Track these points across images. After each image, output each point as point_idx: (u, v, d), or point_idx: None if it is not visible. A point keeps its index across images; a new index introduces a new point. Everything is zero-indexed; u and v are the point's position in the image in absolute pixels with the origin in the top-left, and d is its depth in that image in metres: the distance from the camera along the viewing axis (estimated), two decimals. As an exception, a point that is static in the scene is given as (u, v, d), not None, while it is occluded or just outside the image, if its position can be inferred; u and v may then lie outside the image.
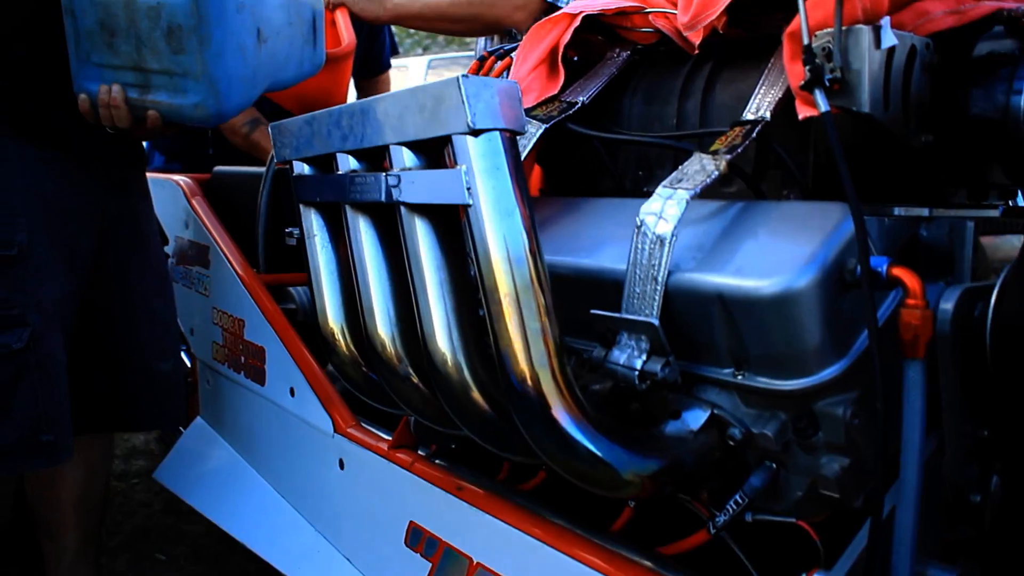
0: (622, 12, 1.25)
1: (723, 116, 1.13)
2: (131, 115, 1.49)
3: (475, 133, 0.89)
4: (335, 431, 1.53)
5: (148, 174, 1.85)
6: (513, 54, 1.53)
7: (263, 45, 1.52)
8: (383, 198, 1.04)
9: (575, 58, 1.38)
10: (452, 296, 0.99)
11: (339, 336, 1.22)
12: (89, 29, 1.46)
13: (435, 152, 0.98)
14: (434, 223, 0.99)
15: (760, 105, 1.02)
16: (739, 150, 0.96)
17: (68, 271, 1.53)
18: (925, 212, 0.97)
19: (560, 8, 2.15)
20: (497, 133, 0.90)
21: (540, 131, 1.17)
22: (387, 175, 1.03)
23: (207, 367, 2.02)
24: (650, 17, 1.23)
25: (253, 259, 1.94)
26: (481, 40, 2.41)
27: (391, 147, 1.03)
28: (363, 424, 1.51)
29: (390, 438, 1.43)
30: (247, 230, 1.99)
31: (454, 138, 0.92)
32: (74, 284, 1.55)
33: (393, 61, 9.63)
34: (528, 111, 1.20)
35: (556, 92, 1.24)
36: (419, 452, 1.39)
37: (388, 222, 1.08)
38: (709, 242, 0.93)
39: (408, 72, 8.84)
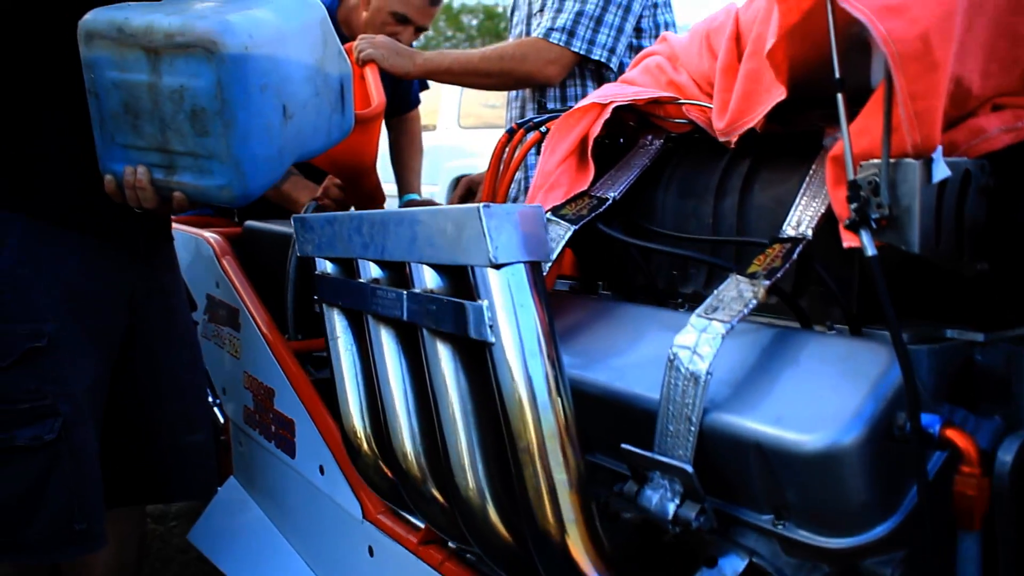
0: (655, 101, 1.20)
1: (762, 219, 1.07)
2: (157, 196, 1.46)
3: (498, 266, 0.85)
4: (364, 516, 1.49)
5: (177, 226, 1.83)
6: (544, 128, 1.49)
7: (289, 121, 1.49)
8: (404, 317, 1.00)
9: (606, 140, 1.33)
10: (477, 426, 0.95)
11: (363, 441, 1.18)
12: (113, 111, 1.45)
13: (458, 275, 0.94)
14: (458, 349, 0.95)
15: (801, 219, 0.96)
16: (779, 274, 0.90)
17: (98, 355, 1.52)
18: (980, 337, 0.90)
19: (592, 59, 2.12)
20: (521, 265, 0.86)
21: (569, 233, 1.12)
22: (408, 294, 0.99)
23: (239, 429, 2.00)
24: (684, 108, 1.18)
25: (284, 321, 1.92)
26: (512, 93, 2.37)
27: (412, 264, 0.99)
28: (393, 511, 1.47)
29: (421, 527, 1.39)
30: (278, 289, 1.97)
31: (476, 269, 0.87)
32: (104, 367, 1.54)
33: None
34: (556, 210, 1.16)
35: (586, 187, 1.19)
36: (450, 546, 1.35)
37: (412, 336, 1.04)
38: (746, 376, 0.88)
39: (444, 87, 8.83)
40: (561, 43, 2.06)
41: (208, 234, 2.13)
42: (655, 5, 2.17)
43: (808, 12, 0.87)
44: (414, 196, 2.80)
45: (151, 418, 1.65)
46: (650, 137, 1.27)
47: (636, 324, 1.07)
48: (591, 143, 1.19)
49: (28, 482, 1.38)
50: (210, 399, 2.22)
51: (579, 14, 2.06)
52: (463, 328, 0.89)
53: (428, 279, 0.97)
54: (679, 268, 1.18)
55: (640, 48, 2.19)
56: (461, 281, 0.93)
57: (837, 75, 0.83)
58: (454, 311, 0.90)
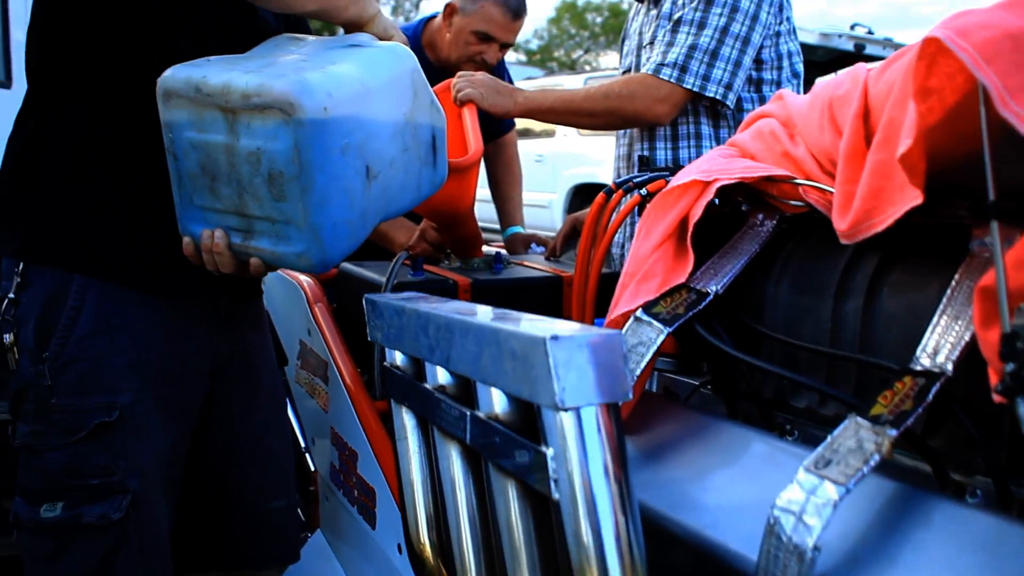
0: (768, 179, 1.05)
1: (891, 331, 0.91)
2: (234, 260, 1.40)
3: (565, 409, 0.73)
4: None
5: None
6: (645, 189, 1.36)
7: (373, 182, 1.40)
8: (468, 441, 0.89)
9: (713, 212, 1.18)
10: (541, 571, 0.83)
11: (428, 552, 1.08)
12: (191, 171, 1.38)
13: (525, 407, 0.82)
14: (523, 489, 0.83)
15: (940, 346, 0.80)
16: (909, 420, 0.75)
17: (174, 425, 1.47)
18: None
19: (707, 96, 1.96)
20: (593, 408, 0.74)
21: (661, 337, 0.98)
22: (472, 416, 0.88)
23: (326, 484, 1.94)
24: (801, 190, 1.03)
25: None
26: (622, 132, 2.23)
27: (478, 384, 0.87)
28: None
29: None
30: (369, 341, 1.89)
31: (542, 409, 0.75)
32: (182, 436, 1.49)
33: (549, 80, 9.62)
34: (649, 307, 1.02)
35: (684, 279, 1.05)
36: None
37: (478, 456, 0.93)
38: (861, 551, 0.73)
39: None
40: (672, 80, 1.91)
41: (302, 278, 2.07)
42: (777, 34, 2.00)
43: (951, 110, 0.71)
44: (517, 229, 2.69)
45: (231, 485, 1.59)
46: (760, 216, 1.12)
47: (735, 453, 0.93)
48: (691, 227, 1.05)
49: (94, 562, 1.34)
50: (301, 442, 2.17)
51: (692, 47, 1.91)
52: (525, 475, 0.77)
53: (495, 402, 0.85)
54: (788, 377, 1.03)
55: (760, 81, 2.02)
56: (530, 412, 0.81)
57: (991, 196, 0.67)
58: (516, 452, 0.79)
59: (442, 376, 0.98)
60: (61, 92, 1.43)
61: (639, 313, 1.02)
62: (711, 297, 1.02)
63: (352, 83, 1.35)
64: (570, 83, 8.75)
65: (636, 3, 2.32)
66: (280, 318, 2.21)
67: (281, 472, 1.67)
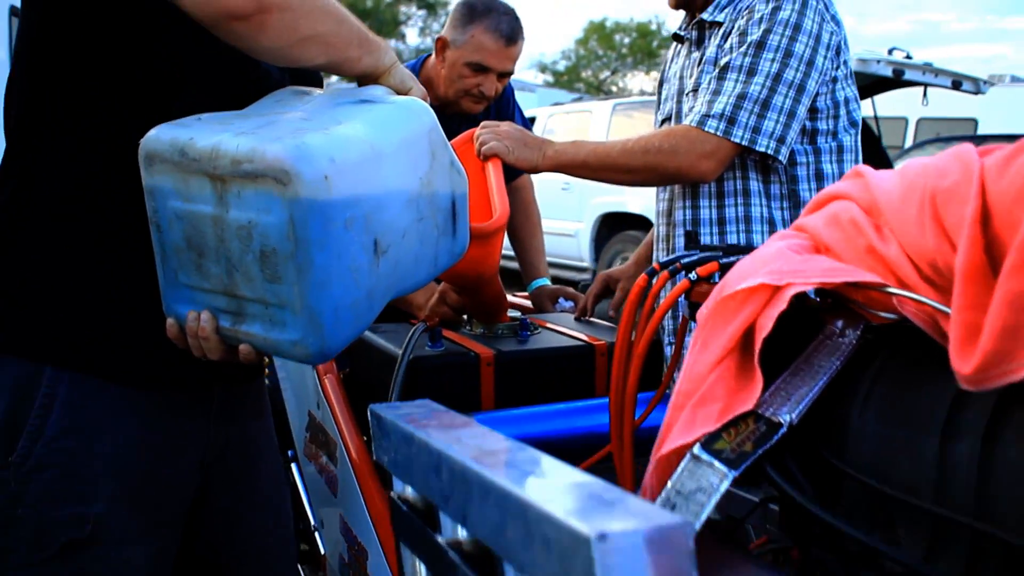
0: (854, 286, 0.87)
1: (1015, 489, 0.73)
2: (222, 346, 1.23)
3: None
4: None
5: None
6: (695, 273, 1.17)
7: (382, 258, 1.23)
8: (485, 629, 0.71)
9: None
10: None
11: None
12: (176, 245, 1.22)
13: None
14: None
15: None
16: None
17: (157, 531, 1.29)
18: None
19: (756, 151, 1.78)
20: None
21: (726, 483, 0.80)
22: (491, 600, 0.70)
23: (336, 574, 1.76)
24: (895, 300, 0.84)
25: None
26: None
27: (504, 561, 0.70)
28: None
29: None
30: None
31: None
32: (164, 543, 1.32)
33: (576, 105, 9.45)
34: (709, 442, 0.84)
35: (751, 406, 0.86)
36: None
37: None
38: None
39: (592, 116, 8.56)
40: (719, 133, 1.74)
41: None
42: (834, 80, 1.81)
43: None
44: (543, 282, 2.51)
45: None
46: (840, 324, 0.93)
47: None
48: (759, 342, 0.87)
49: None
50: (311, 519, 2.00)
51: (741, 97, 1.74)
52: None
53: (521, 586, 0.67)
54: (883, 527, 0.84)
55: (815, 131, 1.83)
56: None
57: None
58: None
59: (458, 531, 0.80)
60: (40, 154, 1.27)
61: (697, 450, 0.83)
62: (784, 429, 0.84)
63: (359, 146, 1.18)
64: (598, 109, 8.58)
65: (675, 43, 2.14)
66: (291, 380, 2.05)
67: (283, 570, 1.49)
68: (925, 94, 6.45)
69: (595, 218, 8.18)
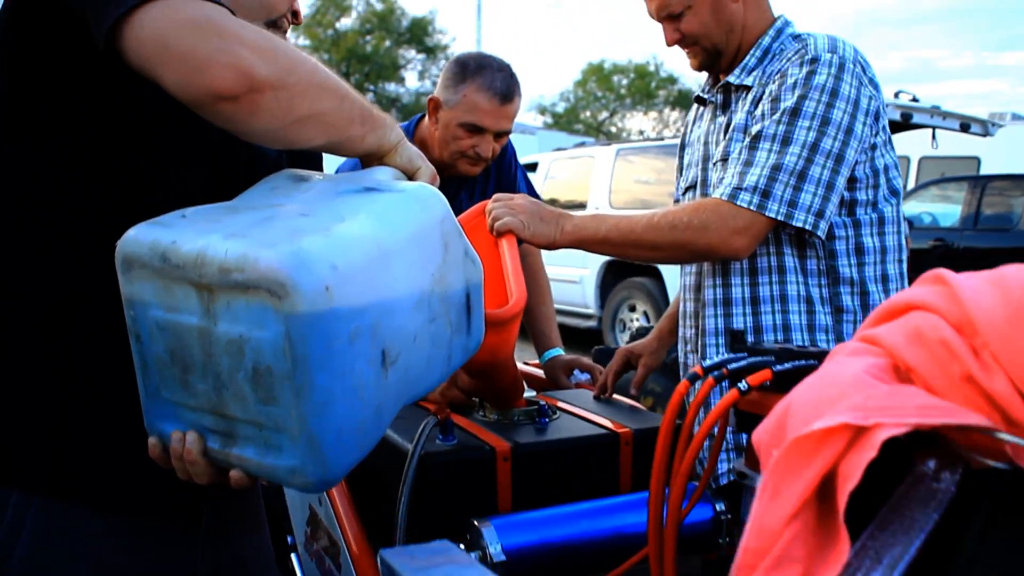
0: (958, 428, 0.73)
1: None
2: (211, 469, 1.09)
3: None
4: None
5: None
6: (744, 384, 1.04)
7: (391, 369, 1.09)
8: None
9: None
10: None
11: None
12: (158, 358, 1.09)
13: None
14: None
15: None
16: None
17: None
18: None
19: (792, 226, 1.65)
20: None
21: None
22: None
23: None
24: (1008, 448, 0.70)
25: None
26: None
27: None
28: None
29: None
30: (389, 509, 1.57)
31: None
32: None
33: (578, 151, 9.33)
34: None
35: (838, 571, 0.72)
36: None
37: None
38: None
39: (595, 161, 8.47)
40: (752, 207, 1.61)
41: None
42: (873, 147, 1.69)
43: None
44: (557, 352, 2.36)
45: None
46: (932, 465, 0.79)
47: None
48: (844, 496, 0.73)
49: None
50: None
51: (775, 168, 1.61)
52: None
53: None
54: None
55: (854, 202, 1.70)
56: None
57: None
58: None
59: None
60: (4, 245, 1.15)
61: (778, 635, 0.69)
62: (881, 607, 0.70)
63: (364, 246, 1.05)
64: (601, 155, 8.46)
65: (698, 106, 2.02)
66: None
67: None
68: (934, 136, 6.37)
69: (600, 265, 8.05)
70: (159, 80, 1.04)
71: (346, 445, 1.05)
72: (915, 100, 6.22)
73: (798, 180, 1.60)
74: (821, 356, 1.06)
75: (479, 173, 2.40)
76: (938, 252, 8.31)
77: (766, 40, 1.80)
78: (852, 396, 0.78)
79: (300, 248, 0.98)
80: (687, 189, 1.91)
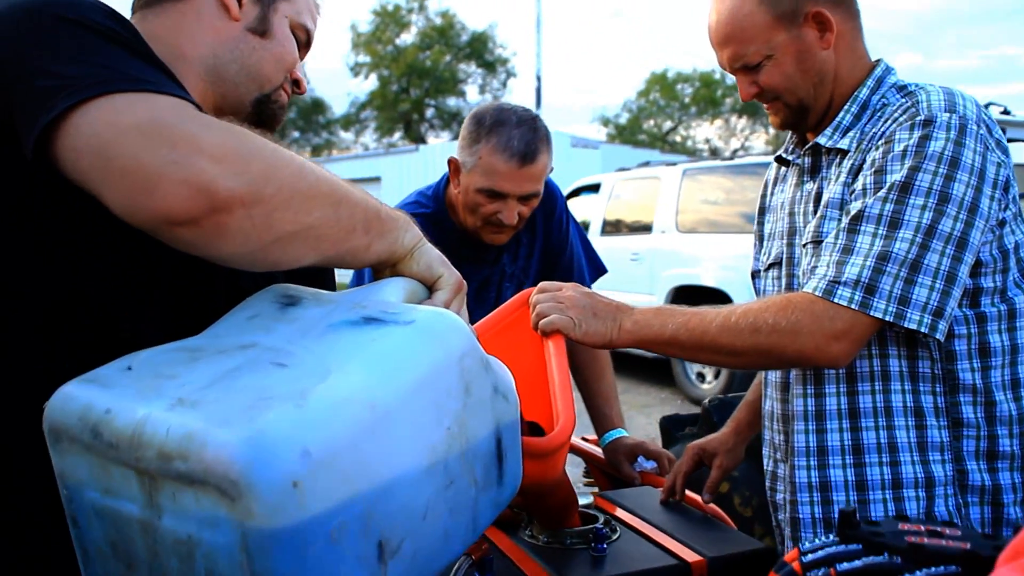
0: None
1: None
2: None
3: None
4: None
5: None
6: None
7: (393, 559, 0.84)
8: None
9: None
10: None
11: None
12: (98, 548, 0.85)
13: None
14: None
15: None
16: None
17: None
18: None
19: (922, 333, 1.29)
20: None
21: None
22: None
23: None
24: None
25: None
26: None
27: None
28: None
29: None
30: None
31: None
32: None
33: (643, 171, 8.90)
34: None
35: None
36: None
37: None
38: None
39: (661, 183, 8.14)
40: (854, 305, 1.30)
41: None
42: (1002, 222, 1.37)
43: None
44: (620, 434, 2.08)
45: None
46: None
47: None
48: None
49: None
50: None
51: (882, 258, 1.31)
52: None
53: None
54: None
55: (978, 290, 1.37)
56: None
57: None
58: None
59: None
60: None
61: None
62: None
63: (353, 412, 0.81)
64: (667, 175, 8.09)
65: (777, 164, 1.73)
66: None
67: None
68: (1031, 150, 5.90)
69: (667, 291, 7.69)
70: (101, 199, 0.83)
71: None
72: (1006, 112, 5.77)
73: (911, 271, 1.30)
74: (969, 560, 0.78)
75: (523, 229, 2.14)
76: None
77: (863, 92, 1.50)
78: None
79: (261, 431, 0.73)
80: (769, 266, 1.62)
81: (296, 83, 1.25)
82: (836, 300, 1.31)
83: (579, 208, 9.50)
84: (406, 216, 1.06)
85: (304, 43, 1.25)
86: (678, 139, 42.58)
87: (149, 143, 0.80)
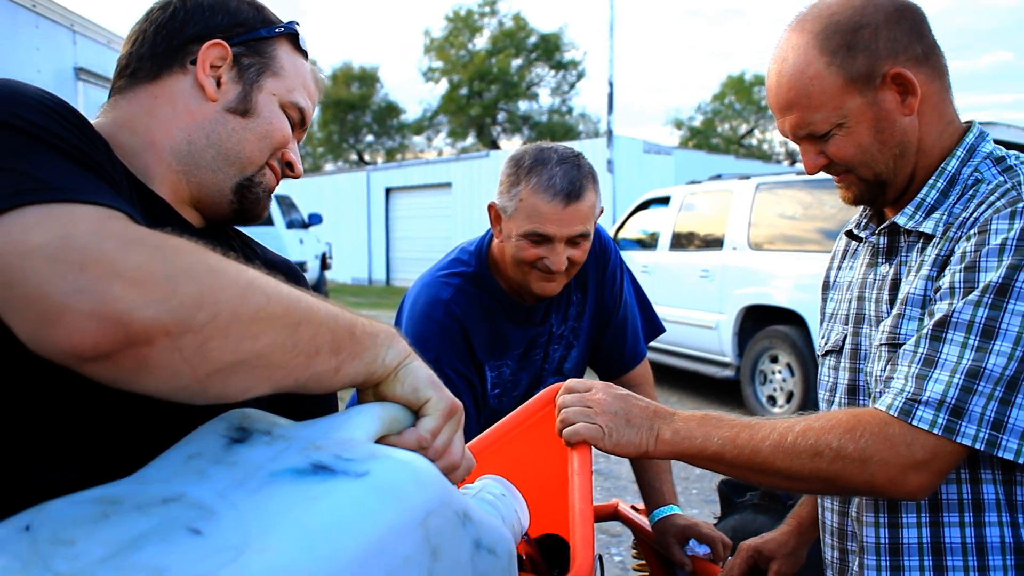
0: None
1: None
2: None
3: None
4: None
5: None
6: None
7: None
8: None
9: None
10: None
11: None
12: None
13: None
14: None
15: None
16: None
17: None
18: None
19: (980, 451, 1.06)
20: None
21: None
22: None
23: None
24: None
25: None
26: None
27: None
28: None
29: None
30: None
31: None
32: None
33: (715, 184, 8.56)
34: None
35: None
36: None
37: None
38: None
39: (733, 196, 7.85)
40: (937, 430, 1.09)
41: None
42: None
43: None
44: (672, 511, 1.88)
45: None
46: None
47: None
48: None
49: None
50: None
51: (973, 375, 1.09)
52: None
53: None
54: None
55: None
56: None
57: None
58: None
59: None
60: None
61: None
62: None
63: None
64: (740, 189, 7.78)
65: (846, 238, 1.50)
66: None
67: None
68: None
69: (738, 311, 7.40)
70: (10, 328, 0.70)
71: None
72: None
73: (1007, 391, 1.08)
74: None
75: (573, 287, 1.97)
76: None
77: (952, 164, 1.27)
78: None
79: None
80: (827, 353, 1.40)
81: (289, 165, 1.12)
82: (915, 423, 1.10)
83: (648, 222, 9.25)
84: (390, 330, 0.91)
85: (298, 123, 1.13)
86: (753, 142, 41.78)
87: (55, 267, 0.68)
